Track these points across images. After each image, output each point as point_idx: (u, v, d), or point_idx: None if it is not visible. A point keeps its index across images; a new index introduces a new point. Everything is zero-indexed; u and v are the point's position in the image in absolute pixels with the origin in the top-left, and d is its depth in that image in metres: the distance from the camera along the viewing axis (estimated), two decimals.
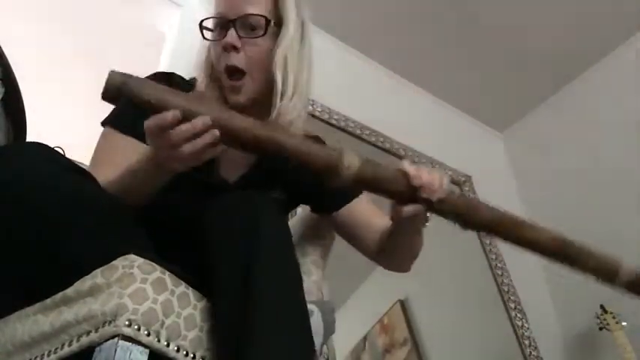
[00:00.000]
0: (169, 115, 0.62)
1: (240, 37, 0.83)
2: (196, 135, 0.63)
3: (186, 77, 0.95)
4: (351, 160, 0.69)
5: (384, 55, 2.59)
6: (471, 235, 2.34)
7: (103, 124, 0.86)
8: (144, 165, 0.71)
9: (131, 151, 0.77)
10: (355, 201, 0.96)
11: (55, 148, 0.71)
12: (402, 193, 0.73)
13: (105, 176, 0.73)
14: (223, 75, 0.85)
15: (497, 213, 0.78)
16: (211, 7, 0.89)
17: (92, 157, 0.85)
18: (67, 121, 3.03)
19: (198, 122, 0.63)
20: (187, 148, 0.63)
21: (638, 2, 2.34)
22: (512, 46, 2.56)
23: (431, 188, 0.72)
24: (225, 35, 0.83)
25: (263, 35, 0.84)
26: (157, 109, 0.63)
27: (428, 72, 2.69)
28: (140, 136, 0.76)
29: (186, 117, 0.63)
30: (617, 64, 2.55)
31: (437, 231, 2.40)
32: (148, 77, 0.88)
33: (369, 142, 2.26)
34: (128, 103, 0.73)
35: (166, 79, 0.91)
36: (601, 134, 2.49)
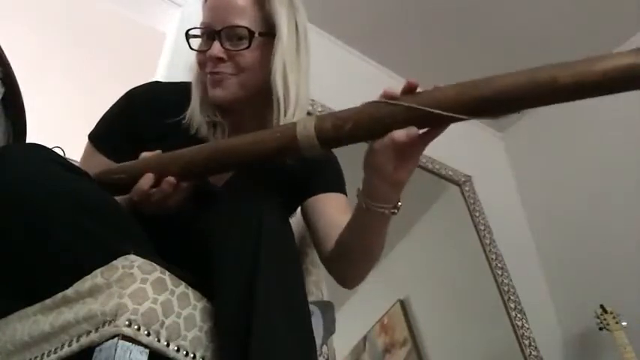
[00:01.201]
0: (143, 184, 0.72)
1: (225, 49, 0.81)
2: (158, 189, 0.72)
3: (186, 76, 0.93)
4: (305, 123, 0.65)
5: (384, 54, 2.59)
6: (471, 235, 2.35)
7: (88, 136, 0.90)
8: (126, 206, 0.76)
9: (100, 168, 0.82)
10: (328, 195, 0.89)
11: (55, 148, 0.71)
12: (377, 119, 0.65)
13: None
14: (208, 78, 0.84)
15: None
16: None
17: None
18: (67, 121, 3.03)
19: (143, 182, 0.72)
20: (154, 197, 0.73)
21: (638, 2, 2.34)
22: (512, 46, 2.56)
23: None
24: (212, 46, 0.81)
25: (247, 47, 0.81)
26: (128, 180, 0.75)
27: (428, 72, 2.69)
28: (113, 156, 0.85)
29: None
30: None
31: (437, 231, 2.39)
32: (136, 89, 0.91)
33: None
34: (112, 121, 0.88)
35: (147, 92, 0.91)
36: (601, 134, 2.49)
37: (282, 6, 0.83)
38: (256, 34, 0.81)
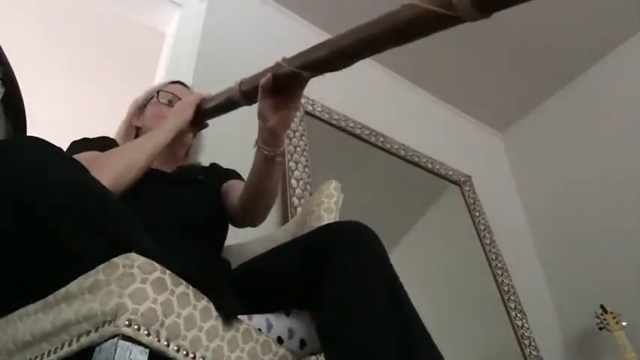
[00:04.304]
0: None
1: None
2: None
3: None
4: None
5: (384, 55, 2.59)
6: (471, 235, 2.35)
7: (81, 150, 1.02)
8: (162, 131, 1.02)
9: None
10: (234, 181, 1.19)
11: None
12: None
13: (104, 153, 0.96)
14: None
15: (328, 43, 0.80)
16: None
17: (90, 162, 0.86)
18: (66, 121, 3.03)
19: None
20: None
21: (638, 2, 2.35)
22: (513, 46, 2.56)
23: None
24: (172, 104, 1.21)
25: None
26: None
27: (428, 72, 2.70)
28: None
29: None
30: (618, 63, 2.56)
31: (437, 231, 2.39)
32: (95, 137, 1.14)
33: (369, 142, 2.26)
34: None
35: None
36: (601, 134, 2.49)
37: None
38: None
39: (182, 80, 1.38)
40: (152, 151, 0.97)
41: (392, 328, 0.66)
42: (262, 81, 0.86)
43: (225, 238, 1.14)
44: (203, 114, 1.08)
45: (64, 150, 1.05)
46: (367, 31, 0.72)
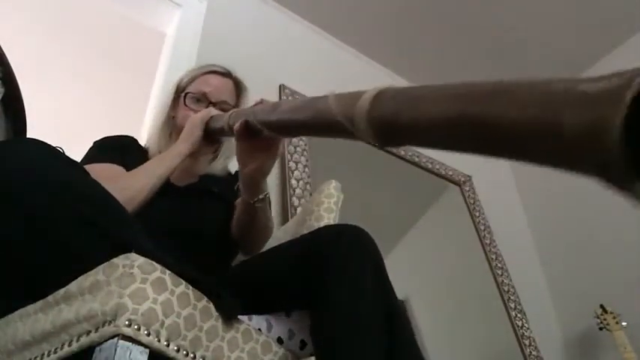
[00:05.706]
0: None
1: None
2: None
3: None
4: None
5: (384, 54, 2.59)
6: (471, 235, 2.35)
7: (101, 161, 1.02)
8: (171, 155, 0.99)
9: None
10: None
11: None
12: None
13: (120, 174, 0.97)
14: None
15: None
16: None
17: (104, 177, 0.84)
18: (66, 120, 3.03)
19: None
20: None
21: (638, 2, 2.35)
22: (512, 46, 2.56)
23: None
24: (207, 106, 1.15)
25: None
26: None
27: (428, 72, 2.69)
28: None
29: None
30: (617, 64, 2.55)
31: (437, 231, 2.38)
32: (117, 137, 1.17)
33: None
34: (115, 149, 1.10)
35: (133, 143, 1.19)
36: None
37: (247, 100, 1.23)
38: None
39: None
40: (162, 175, 0.97)
41: (383, 330, 0.68)
42: (236, 125, 0.82)
43: (236, 250, 1.13)
44: (212, 132, 1.06)
45: (88, 149, 1.07)
46: (300, 115, 0.63)
